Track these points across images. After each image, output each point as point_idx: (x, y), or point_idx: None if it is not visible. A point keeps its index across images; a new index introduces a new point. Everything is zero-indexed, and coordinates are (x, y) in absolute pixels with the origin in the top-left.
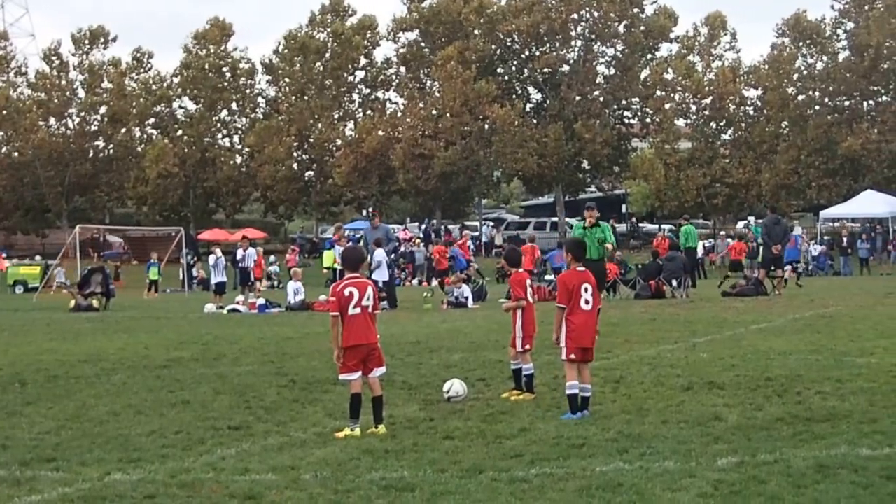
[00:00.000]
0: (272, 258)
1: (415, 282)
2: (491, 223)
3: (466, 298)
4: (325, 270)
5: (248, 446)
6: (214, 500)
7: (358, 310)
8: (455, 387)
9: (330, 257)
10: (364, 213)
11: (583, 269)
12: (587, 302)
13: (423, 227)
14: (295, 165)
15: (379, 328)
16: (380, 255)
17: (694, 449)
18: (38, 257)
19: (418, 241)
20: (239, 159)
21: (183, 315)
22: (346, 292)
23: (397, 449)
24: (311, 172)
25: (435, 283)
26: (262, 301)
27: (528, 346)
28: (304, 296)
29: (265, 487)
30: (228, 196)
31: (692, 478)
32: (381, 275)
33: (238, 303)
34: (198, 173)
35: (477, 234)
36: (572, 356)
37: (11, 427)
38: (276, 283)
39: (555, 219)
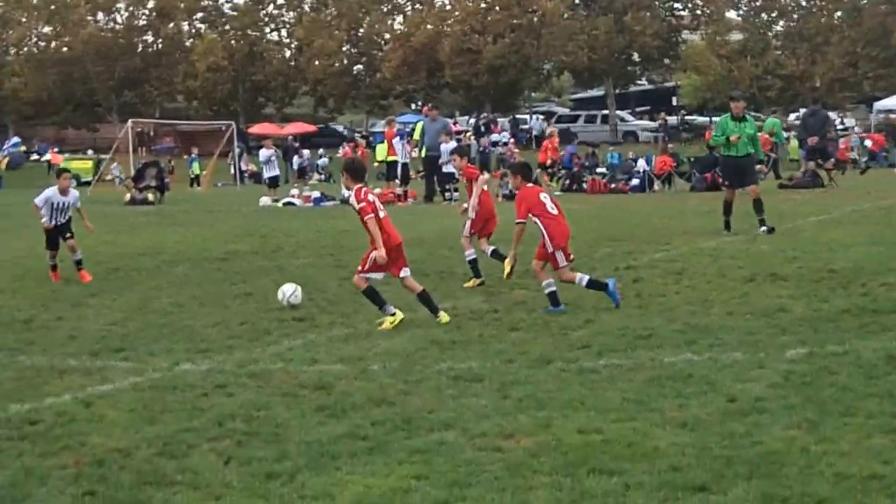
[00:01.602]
0: (321, 151)
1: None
2: (541, 116)
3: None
4: (376, 164)
5: (314, 337)
6: (285, 389)
7: (383, 213)
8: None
9: (382, 151)
10: (412, 106)
11: (531, 185)
12: (553, 208)
13: (474, 120)
14: (344, 60)
15: (435, 221)
16: (448, 147)
17: (761, 340)
18: (89, 151)
19: (469, 134)
20: (287, 53)
21: (237, 208)
22: (370, 197)
23: (463, 340)
24: (360, 66)
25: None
26: (317, 194)
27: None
28: None
29: (334, 378)
30: (277, 90)
31: (761, 369)
32: (450, 168)
33: (293, 196)
34: (246, 67)
35: (527, 127)
36: (571, 258)
37: (78, 318)
38: (326, 176)
39: (605, 112)
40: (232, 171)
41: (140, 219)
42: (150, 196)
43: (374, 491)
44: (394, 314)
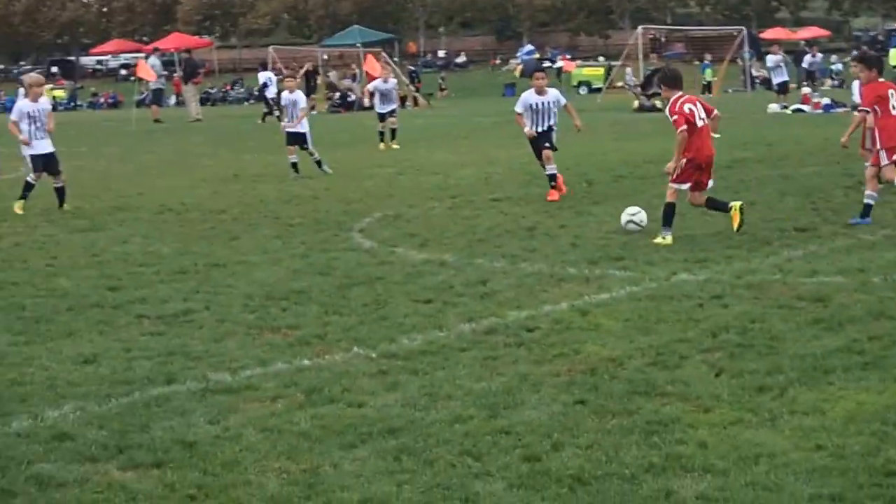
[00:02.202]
0: (833, 57)
1: None
2: None
3: None
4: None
5: (815, 248)
6: (781, 301)
7: (702, 122)
8: (636, 217)
9: (895, 56)
10: None
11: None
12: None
13: None
14: None
15: None
16: None
17: None
18: (600, 58)
19: None
20: None
21: (746, 115)
22: (687, 108)
23: None
24: None
25: None
26: (826, 100)
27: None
28: None
29: (833, 290)
30: None
31: None
32: None
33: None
34: None
35: None
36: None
37: (579, 226)
38: (839, 82)
39: None
40: (742, 76)
41: (647, 126)
42: (658, 103)
43: (867, 407)
44: (665, 238)
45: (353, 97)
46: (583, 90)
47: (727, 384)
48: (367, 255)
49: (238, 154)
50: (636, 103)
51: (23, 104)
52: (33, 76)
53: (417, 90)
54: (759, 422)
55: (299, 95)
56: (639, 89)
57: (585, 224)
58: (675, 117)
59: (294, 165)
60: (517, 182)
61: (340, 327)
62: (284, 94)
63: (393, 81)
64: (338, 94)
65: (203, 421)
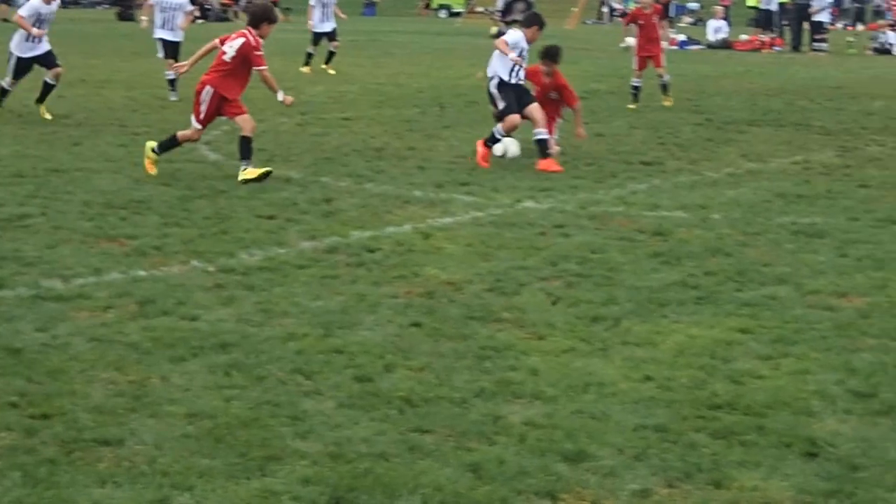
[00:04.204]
0: None
1: (839, 25)
2: None
3: (892, 45)
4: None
5: (659, 182)
6: (622, 233)
7: None
8: (510, 147)
9: None
10: None
11: None
12: None
13: None
14: None
15: (798, 71)
16: None
17: None
18: None
19: None
20: None
21: (603, 48)
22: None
23: (810, 194)
24: None
25: (861, 27)
26: (682, 37)
27: None
28: (727, 34)
29: (674, 225)
30: None
31: None
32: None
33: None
34: None
35: None
36: None
37: (429, 149)
38: (697, 19)
39: None
40: (599, 7)
41: None
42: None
43: (698, 341)
44: None
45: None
46: (443, 13)
47: (563, 313)
48: (212, 168)
49: (87, 59)
50: (494, 29)
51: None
52: None
53: (275, 3)
54: (591, 351)
55: None
56: (498, 15)
57: (434, 147)
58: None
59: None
60: (369, 103)
61: (179, 239)
62: None
63: None
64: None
65: (31, 328)
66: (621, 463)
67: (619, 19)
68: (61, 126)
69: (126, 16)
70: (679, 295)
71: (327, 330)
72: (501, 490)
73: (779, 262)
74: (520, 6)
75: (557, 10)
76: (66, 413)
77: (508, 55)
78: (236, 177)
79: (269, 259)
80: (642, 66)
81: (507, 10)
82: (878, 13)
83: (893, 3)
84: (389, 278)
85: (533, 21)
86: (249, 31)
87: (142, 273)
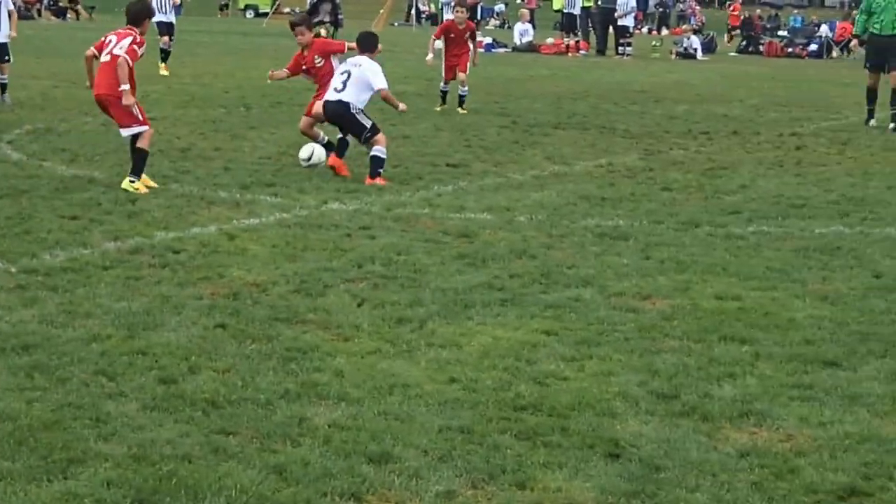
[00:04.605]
0: None
1: (644, 30)
2: None
3: (696, 49)
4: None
5: (465, 185)
6: (428, 235)
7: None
8: (317, 152)
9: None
10: None
11: None
12: None
13: None
14: None
15: (604, 75)
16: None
17: None
18: None
19: None
20: None
21: (410, 50)
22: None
23: (614, 197)
24: None
25: (665, 32)
26: (488, 40)
27: None
28: (532, 37)
29: (479, 227)
30: None
31: None
32: (627, 21)
33: None
34: None
35: None
36: None
37: (234, 150)
38: (503, 22)
39: None
40: (406, 8)
41: None
42: (323, 31)
43: (503, 343)
44: None
45: None
46: (249, 13)
47: (368, 314)
48: (14, 168)
49: None
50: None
51: None
52: None
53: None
54: (397, 353)
55: None
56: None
57: (240, 148)
58: None
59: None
60: (174, 102)
61: None
62: None
63: None
64: None
65: None
66: (426, 464)
67: (427, 22)
68: None
69: None
70: (484, 297)
71: (131, 331)
72: (306, 492)
73: (583, 264)
74: (326, 7)
75: (365, 12)
76: None
77: (399, 107)
78: (38, 176)
79: (73, 260)
80: (449, 76)
81: (312, 11)
82: (683, 18)
83: (697, 7)
84: (194, 279)
85: (375, 44)
86: (132, 29)
87: None
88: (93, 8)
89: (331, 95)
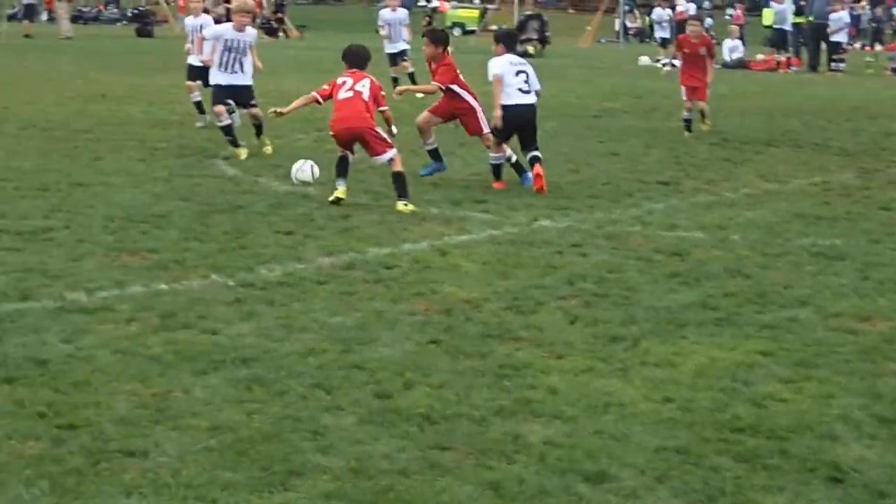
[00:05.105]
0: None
1: (857, 45)
2: None
3: None
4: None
5: (676, 202)
6: (640, 253)
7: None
8: (306, 170)
9: (769, 15)
10: None
11: None
12: None
13: None
14: None
15: (816, 91)
16: (840, 16)
17: None
18: (475, 0)
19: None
20: None
21: (618, 66)
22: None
23: (830, 216)
24: None
25: (879, 48)
26: None
27: None
28: (742, 54)
29: (692, 245)
30: None
31: None
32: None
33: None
34: None
35: None
36: None
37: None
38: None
39: None
40: (616, 27)
41: None
42: (531, 49)
43: (718, 363)
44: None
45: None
46: (457, 31)
47: (581, 332)
48: (230, 183)
49: (107, 75)
50: None
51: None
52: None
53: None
54: (611, 371)
55: (206, 20)
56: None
57: (450, 165)
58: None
59: (198, 105)
60: None
61: (199, 254)
62: (189, 18)
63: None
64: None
65: (56, 340)
66: (643, 484)
67: (635, 39)
68: (83, 141)
69: (145, 32)
70: (698, 316)
71: (346, 346)
72: None
73: (799, 284)
74: (534, 24)
75: (572, 28)
76: (91, 424)
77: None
78: (253, 192)
79: (288, 274)
80: (690, 96)
81: (521, 28)
82: None
83: None
84: (407, 295)
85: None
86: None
87: (163, 287)
88: (303, 27)
89: (520, 98)
